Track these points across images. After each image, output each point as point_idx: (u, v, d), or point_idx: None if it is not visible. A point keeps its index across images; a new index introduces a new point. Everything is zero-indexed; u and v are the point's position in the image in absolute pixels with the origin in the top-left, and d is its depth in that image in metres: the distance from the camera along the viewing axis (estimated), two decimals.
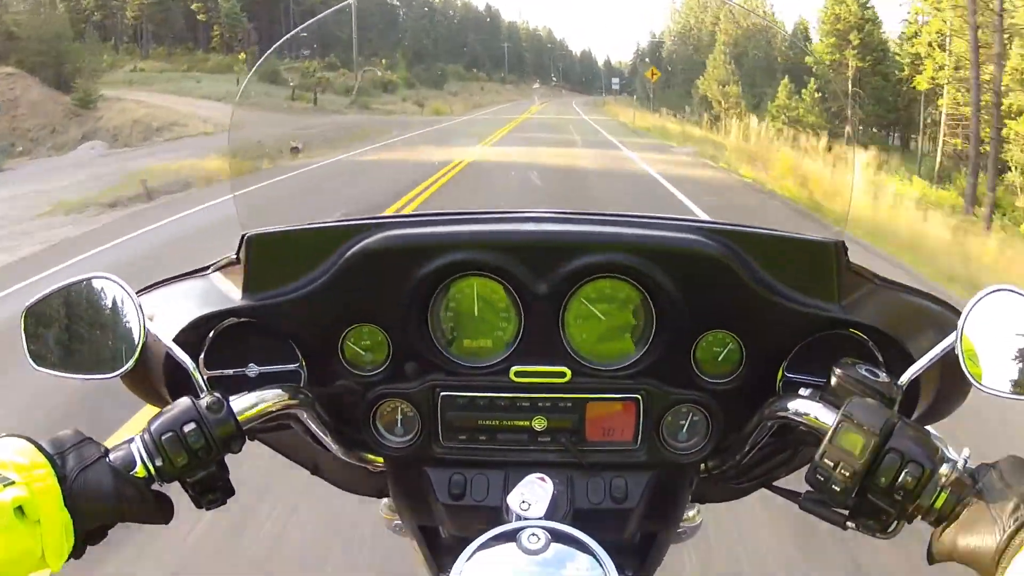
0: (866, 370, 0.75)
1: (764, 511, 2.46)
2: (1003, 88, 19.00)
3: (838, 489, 0.69)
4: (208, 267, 0.93)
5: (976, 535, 0.63)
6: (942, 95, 23.54)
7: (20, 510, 0.62)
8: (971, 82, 19.96)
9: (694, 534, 1.05)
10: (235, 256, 0.89)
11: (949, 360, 0.75)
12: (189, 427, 0.72)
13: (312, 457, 0.99)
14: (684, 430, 0.89)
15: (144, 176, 12.50)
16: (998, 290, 0.75)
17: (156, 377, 0.86)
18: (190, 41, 46.34)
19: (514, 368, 0.86)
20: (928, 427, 0.74)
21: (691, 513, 1.02)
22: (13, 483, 0.63)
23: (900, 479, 0.67)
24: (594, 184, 6.83)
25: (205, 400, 0.75)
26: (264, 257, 0.88)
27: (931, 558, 0.69)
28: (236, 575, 2.46)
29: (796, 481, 0.81)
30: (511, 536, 0.66)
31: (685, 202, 6.00)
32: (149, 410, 0.83)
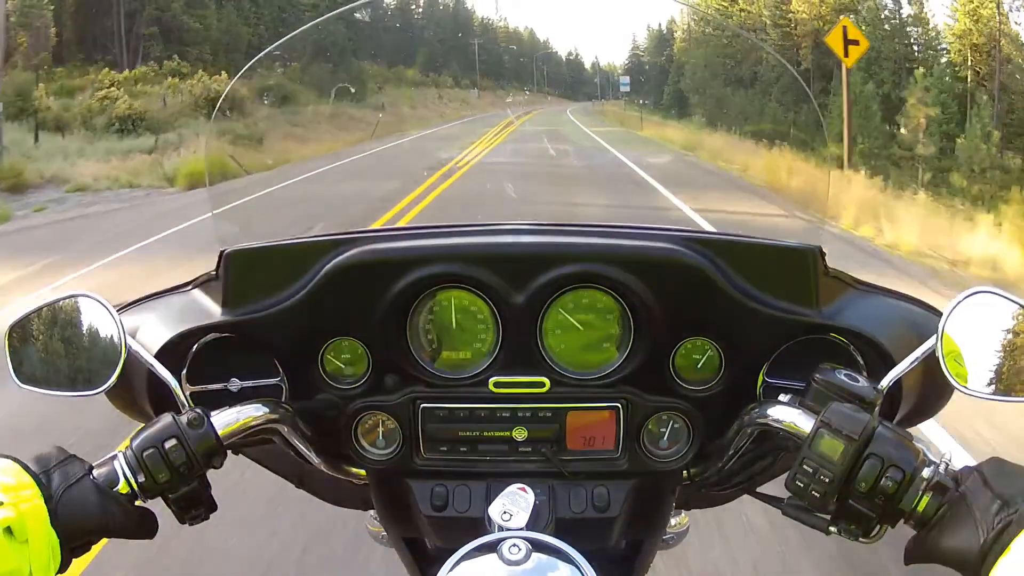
0: (845, 375, 0.75)
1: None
2: None
3: (818, 495, 0.69)
4: (188, 284, 0.93)
5: (959, 537, 0.63)
6: None
7: (8, 531, 0.63)
8: None
9: (681, 540, 1.04)
10: (214, 272, 0.90)
11: (930, 362, 0.74)
12: (170, 443, 0.72)
13: (296, 470, 0.99)
14: (665, 437, 0.88)
15: None
16: (978, 292, 0.75)
17: (139, 393, 0.87)
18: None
19: (493, 379, 0.86)
20: (911, 429, 0.74)
21: (676, 520, 1.02)
22: (1, 504, 0.64)
23: (881, 484, 0.67)
24: None
25: (186, 416, 0.75)
26: (243, 273, 0.88)
27: (909, 559, 0.69)
28: None
29: (780, 485, 0.81)
30: (492, 547, 0.65)
31: None
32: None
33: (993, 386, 0.75)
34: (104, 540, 0.73)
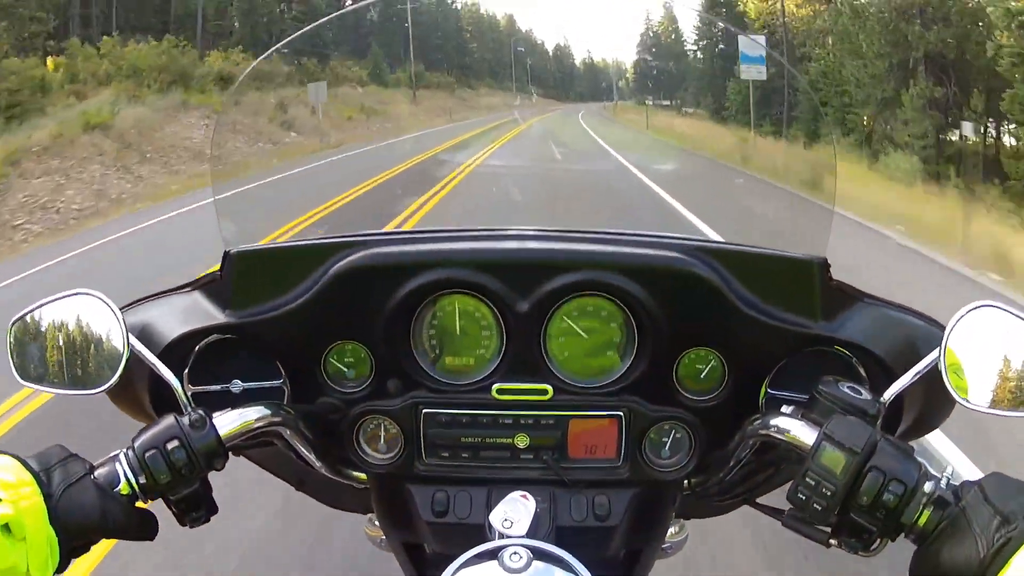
0: (848, 387, 0.75)
1: None
2: None
3: (820, 508, 0.69)
4: (191, 284, 0.93)
5: (959, 552, 0.63)
6: None
7: (6, 528, 0.63)
8: None
9: (680, 549, 1.04)
10: (218, 273, 0.89)
11: (933, 376, 0.75)
12: (172, 444, 0.72)
13: (297, 473, 0.99)
14: (667, 447, 0.89)
15: None
16: (982, 306, 0.75)
17: (141, 393, 0.87)
18: None
19: (496, 385, 0.86)
20: (912, 444, 0.74)
21: (675, 529, 1.02)
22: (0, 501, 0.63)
23: (882, 497, 0.67)
24: None
25: (188, 417, 0.75)
26: (247, 274, 0.88)
27: (913, 575, 0.69)
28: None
29: (780, 496, 0.81)
30: (493, 554, 0.65)
31: None
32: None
33: (995, 400, 0.75)
34: (105, 542, 0.72)
